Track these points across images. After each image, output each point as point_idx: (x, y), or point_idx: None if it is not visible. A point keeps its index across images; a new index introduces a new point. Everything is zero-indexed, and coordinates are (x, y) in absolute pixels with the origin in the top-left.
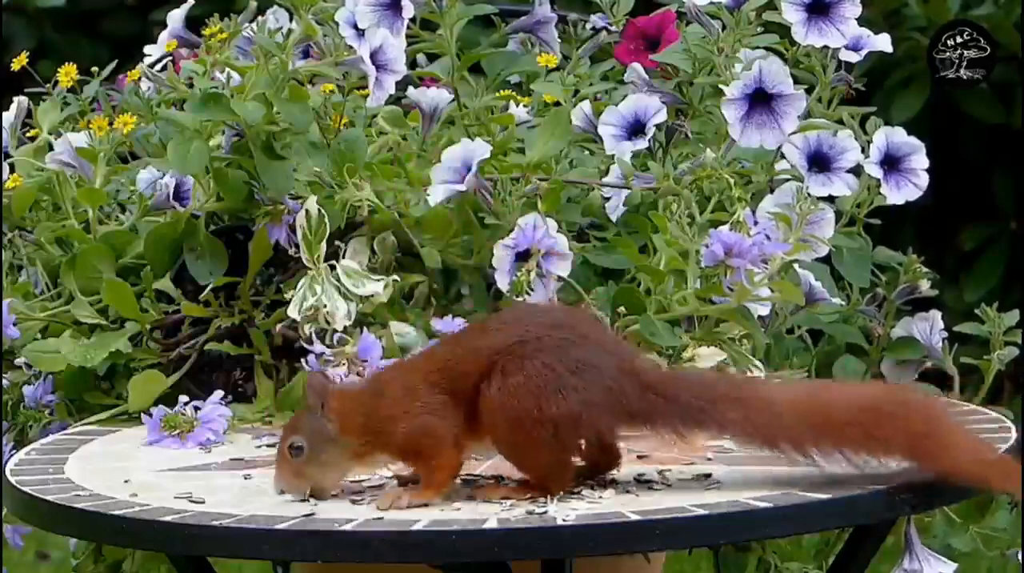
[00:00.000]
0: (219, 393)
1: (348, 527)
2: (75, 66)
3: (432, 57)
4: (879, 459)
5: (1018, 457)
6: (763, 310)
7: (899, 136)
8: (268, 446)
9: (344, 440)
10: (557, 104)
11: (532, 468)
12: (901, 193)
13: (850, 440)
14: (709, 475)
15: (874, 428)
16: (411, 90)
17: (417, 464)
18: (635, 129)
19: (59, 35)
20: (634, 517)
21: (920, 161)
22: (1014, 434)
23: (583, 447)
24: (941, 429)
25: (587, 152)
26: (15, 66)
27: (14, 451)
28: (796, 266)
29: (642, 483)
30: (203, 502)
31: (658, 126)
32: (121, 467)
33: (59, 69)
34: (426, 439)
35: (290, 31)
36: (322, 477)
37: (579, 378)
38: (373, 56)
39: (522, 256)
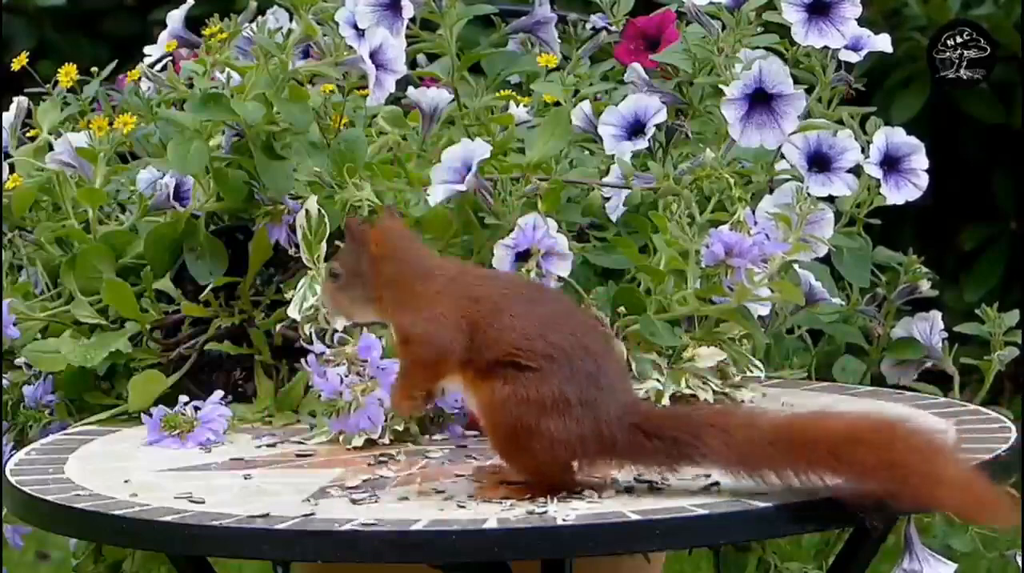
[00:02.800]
0: (219, 393)
1: (348, 527)
2: (75, 66)
3: (432, 57)
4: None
5: (1005, 477)
6: (763, 310)
7: (899, 136)
8: (268, 446)
9: (373, 285)
10: (557, 104)
11: (526, 472)
12: (901, 193)
13: (828, 467)
14: (709, 475)
15: (853, 456)
16: (411, 90)
17: (402, 360)
18: (635, 129)
19: (59, 35)
20: (634, 517)
21: (920, 161)
22: (1014, 434)
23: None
24: (924, 461)
25: (587, 152)
26: (15, 66)
27: (14, 451)
28: (796, 266)
29: (642, 483)
30: (203, 502)
31: (658, 126)
32: (121, 467)
33: (59, 69)
34: (422, 348)
35: (290, 31)
36: (351, 307)
37: (584, 410)
38: (373, 56)
39: (522, 256)
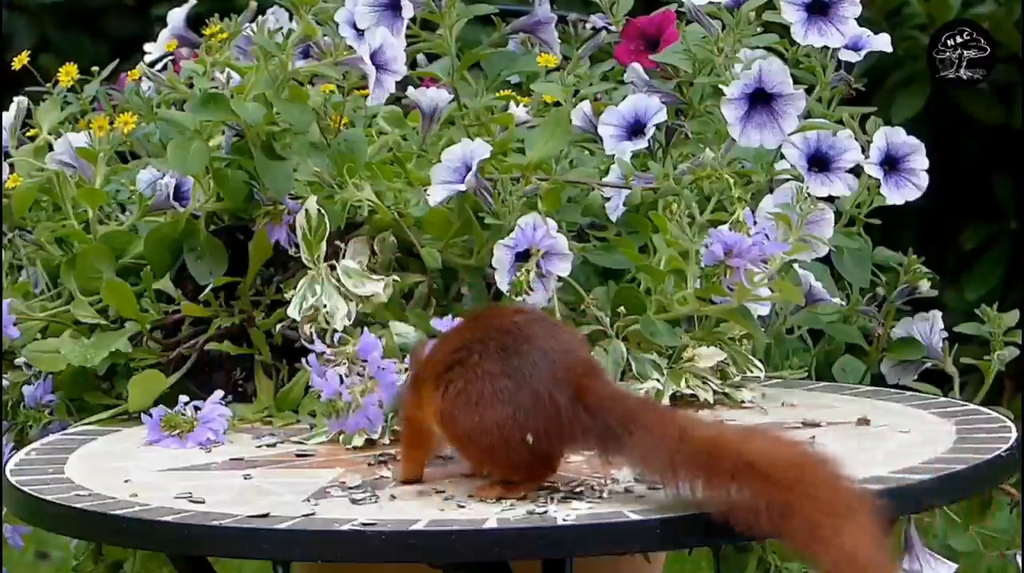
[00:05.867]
0: (219, 393)
1: (348, 527)
2: (75, 65)
3: (432, 57)
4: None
5: (1005, 477)
6: (763, 310)
7: (899, 136)
8: (268, 446)
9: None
10: (557, 104)
11: (495, 469)
12: (901, 193)
13: (724, 489)
14: None
15: (750, 482)
16: (411, 90)
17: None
18: (635, 129)
19: (60, 31)
20: (634, 517)
21: (920, 161)
22: (1014, 434)
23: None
24: (822, 516)
25: (587, 152)
26: (16, 65)
27: (14, 451)
28: (796, 266)
29: (642, 483)
30: (203, 502)
31: (658, 126)
32: (121, 467)
33: (60, 69)
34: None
35: (290, 31)
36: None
37: (512, 381)
38: (373, 56)
39: (522, 256)
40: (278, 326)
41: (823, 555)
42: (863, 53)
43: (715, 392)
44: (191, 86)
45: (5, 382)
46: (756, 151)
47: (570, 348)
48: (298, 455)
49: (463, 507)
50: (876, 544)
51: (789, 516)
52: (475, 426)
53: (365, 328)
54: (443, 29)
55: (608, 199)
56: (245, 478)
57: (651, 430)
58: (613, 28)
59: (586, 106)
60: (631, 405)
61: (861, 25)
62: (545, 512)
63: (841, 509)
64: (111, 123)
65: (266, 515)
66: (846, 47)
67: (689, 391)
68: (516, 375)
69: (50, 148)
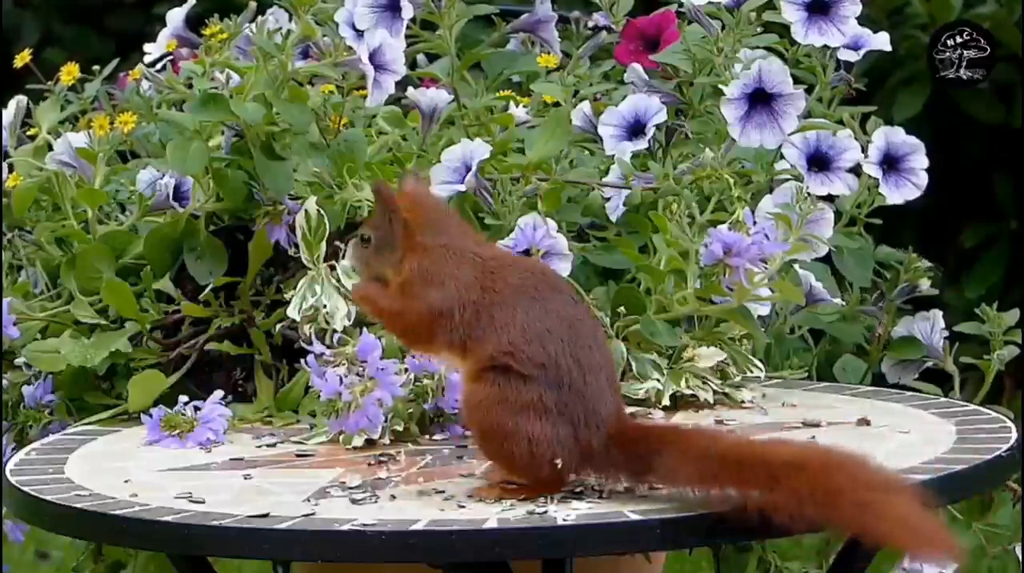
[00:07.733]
0: (219, 393)
1: (348, 527)
2: (78, 65)
3: (432, 57)
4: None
5: (1005, 476)
6: (763, 310)
7: (899, 136)
8: (268, 446)
9: (402, 249)
10: (557, 104)
11: (509, 470)
12: (900, 193)
13: (765, 489)
14: None
15: (791, 480)
16: (411, 90)
17: (399, 297)
18: (635, 129)
19: (65, 26)
20: (634, 517)
21: (920, 161)
22: (1014, 434)
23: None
24: (863, 492)
25: (587, 152)
26: (18, 63)
27: (14, 451)
28: (796, 266)
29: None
30: (203, 502)
31: (658, 126)
32: (121, 467)
33: (62, 67)
34: (417, 301)
35: (289, 32)
36: (381, 269)
37: (561, 418)
38: (372, 56)
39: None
40: (278, 326)
41: (877, 526)
42: (863, 52)
43: (715, 392)
44: (190, 86)
45: (5, 382)
46: (756, 151)
47: (618, 387)
48: (298, 455)
49: (463, 507)
50: (924, 511)
51: (837, 499)
52: (506, 430)
53: (365, 328)
54: (443, 29)
55: (608, 199)
56: (245, 478)
57: (678, 448)
58: (614, 28)
59: (586, 106)
60: (657, 431)
61: (862, 24)
62: (545, 512)
63: (884, 486)
64: (111, 123)
65: (266, 515)
66: (846, 46)
67: (689, 391)
68: (568, 416)
69: (50, 148)
